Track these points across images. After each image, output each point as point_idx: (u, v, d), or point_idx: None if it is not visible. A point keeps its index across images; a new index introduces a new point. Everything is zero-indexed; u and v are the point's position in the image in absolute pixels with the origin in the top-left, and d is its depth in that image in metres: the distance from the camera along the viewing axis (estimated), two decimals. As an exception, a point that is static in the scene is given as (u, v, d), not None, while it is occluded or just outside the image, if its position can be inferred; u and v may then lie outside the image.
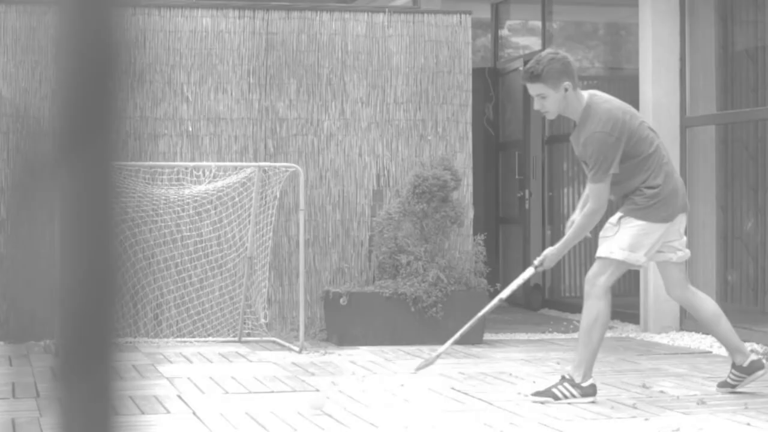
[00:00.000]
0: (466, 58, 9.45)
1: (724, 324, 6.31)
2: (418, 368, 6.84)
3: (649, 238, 6.11)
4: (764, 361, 6.38)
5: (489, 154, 12.48)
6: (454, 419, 5.59)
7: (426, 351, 8.19)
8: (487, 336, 8.86)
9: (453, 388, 6.51)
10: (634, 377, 6.86)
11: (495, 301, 6.74)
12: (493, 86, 12.42)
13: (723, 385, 6.41)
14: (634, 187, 6.12)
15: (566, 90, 6.05)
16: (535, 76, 6.06)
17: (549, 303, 11.39)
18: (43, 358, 7.62)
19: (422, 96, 9.35)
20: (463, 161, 9.37)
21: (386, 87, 9.32)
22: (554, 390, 6.06)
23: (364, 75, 9.29)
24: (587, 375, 6.10)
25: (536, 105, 6.19)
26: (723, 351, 8.19)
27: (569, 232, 6.31)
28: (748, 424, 5.46)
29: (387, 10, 9.48)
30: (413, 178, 8.80)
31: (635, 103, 8.34)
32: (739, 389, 6.31)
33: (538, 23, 11.73)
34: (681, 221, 6.26)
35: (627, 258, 6.10)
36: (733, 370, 6.34)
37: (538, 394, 6.10)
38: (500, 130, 12.46)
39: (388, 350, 8.21)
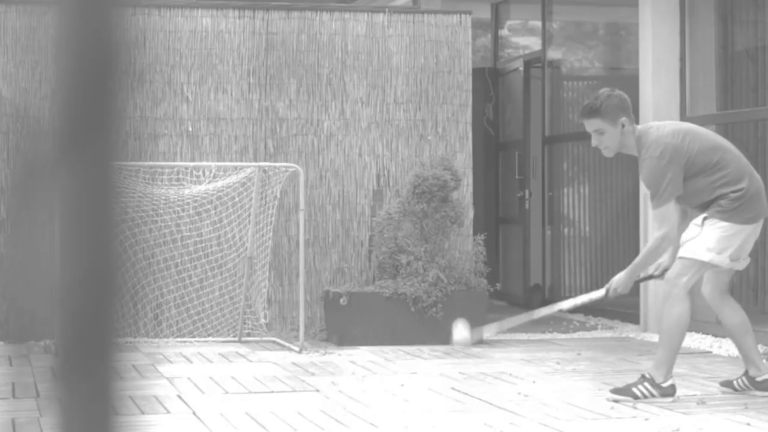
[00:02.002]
0: (466, 58, 9.45)
1: (750, 336, 6.31)
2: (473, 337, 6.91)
3: (735, 239, 6.07)
4: None
5: (489, 154, 12.48)
6: (454, 419, 5.59)
7: (426, 351, 8.19)
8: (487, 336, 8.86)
9: (453, 388, 6.51)
10: (634, 377, 6.85)
11: (554, 309, 6.72)
12: (493, 86, 12.42)
13: (727, 385, 6.41)
14: (714, 197, 6.09)
15: (623, 126, 6.09)
16: (593, 112, 6.11)
17: (549, 303, 11.37)
18: (43, 358, 7.62)
19: (422, 96, 9.35)
20: (463, 161, 9.37)
21: (386, 87, 9.32)
22: (634, 389, 6.04)
23: (364, 75, 9.29)
24: (668, 375, 6.08)
25: (594, 141, 6.20)
26: (723, 351, 8.19)
27: (639, 256, 6.29)
28: (748, 424, 5.47)
29: (387, 10, 9.48)
30: (413, 178, 8.80)
31: (635, 103, 8.34)
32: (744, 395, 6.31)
33: (538, 23, 11.73)
34: (760, 226, 6.25)
35: (712, 259, 6.06)
36: (744, 379, 6.34)
37: (617, 392, 6.08)
38: (500, 130, 12.46)
39: (388, 350, 8.21)
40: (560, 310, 6.76)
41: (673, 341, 6.08)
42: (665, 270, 6.33)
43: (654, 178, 6.03)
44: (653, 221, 6.19)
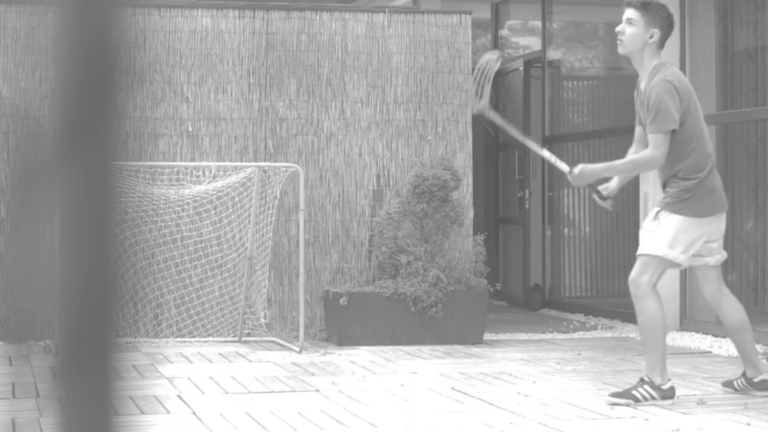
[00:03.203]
0: (466, 58, 9.45)
1: (748, 336, 6.31)
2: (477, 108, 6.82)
3: (689, 234, 6.06)
4: None
5: (489, 154, 12.48)
6: (454, 419, 5.59)
7: (426, 351, 8.19)
8: (487, 336, 8.86)
9: (453, 388, 6.51)
10: (634, 377, 6.85)
11: (541, 151, 6.68)
12: (493, 86, 12.40)
13: (728, 385, 6.41)
14: (674, 171, 6.07)
15: (651, 37, 6.06)
16: (641, 4, 6.10)
17: (549, 303, 11.39)
18: (43, 358, 7.62)
19: (422, 96, 9.35)
20: (463, 161, 9.37)
21: (386, 87, 9.32)
22: (634, 392, 6.01)
23: (364, 75, 9.29)
24: (664, 375, 6.07)
25: (619, 27, 6.17)
26: (723, 351, 8.19)
27: (621, 161, 6.22)
28: (748, 424, 5.47)
29: (387, 10, 9.48)
30: (413, 178, 8.80)
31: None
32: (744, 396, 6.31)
33: (538, 23, 11.73)
34: (722, 220, 6.23)
35: (666, 254, 6.05)
36: (743, 380, 6.34)
37: (617, 395, 6.05)
38: (500, 130, 12.45)
39: (388, 350, 8.21)
40: (541, 154, 6.72)
41: (655, 338, 6.07)
42: (609, 196, 6.28)
43: (663, 99, 6.00)
44: (650, 144, 6.11)
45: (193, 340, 8.70)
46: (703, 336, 8.87)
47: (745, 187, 9.31)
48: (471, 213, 9.34)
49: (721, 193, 6.20)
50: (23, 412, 5.69)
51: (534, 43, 12.26)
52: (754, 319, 8.93)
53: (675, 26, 9.38)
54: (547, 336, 9.29)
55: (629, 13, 6.15)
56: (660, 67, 6.13)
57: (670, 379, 6.13)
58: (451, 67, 9.41)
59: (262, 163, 8.68)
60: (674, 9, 9.37)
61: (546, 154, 6.66)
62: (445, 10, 9.58)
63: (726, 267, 9.45)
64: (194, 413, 5.71)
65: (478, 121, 11.98)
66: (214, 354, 7.97)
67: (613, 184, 6.42)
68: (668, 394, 6.05)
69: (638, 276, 6.09)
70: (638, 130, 6.34)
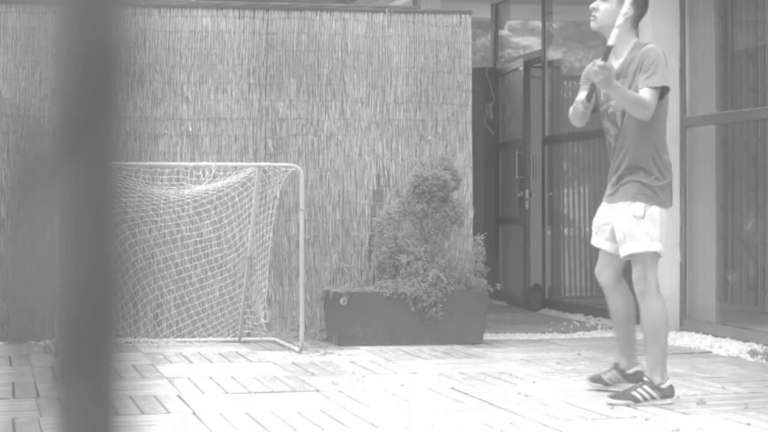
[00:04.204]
0: (466, 58, 9.45)
1: (632, 328, 6.37)
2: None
3: (662, 224, 6.13)
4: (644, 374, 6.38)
5: (489, 154, 12.48)
6: (454, 419, 5.59)
7: (426, 351, 8.19)
8: (487, 336, 8.86)
9: (453, 388, 6.51)
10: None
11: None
12: (493, 86, 12.42)
13: (597, 380, 6.41)
14: (639, 160, 6.07)
15: (625, 14, 6.06)
16: None
17: (549, 303, 11.39)
18: (43, 358, 7.62)
19: (422, 96, 9.35)
20: (463, 161, 9.37)
21: (386, 87, 9.32)
22: (634, 393, 6.01)
23: (364, 75, 9.29)
24: (665, 375, 6.07)
25: (593, 3, 6.23)
26: (722, 351, 8.19)
27: (630, 91, 6.04)
28: (748, 424, 5.46)
29: (387, 10, 9.48)
30: (413, 178, 8.80)
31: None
32: (613, 388, 6.32)
33: (538, 23, 11.73)
34: None
35: (659, 249, 6.08)
36: (615, 372, 6.38)
37: (617, 396, 6.05)
38: (500, 130, 12.46)
39: (388, 350, 8.21)
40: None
41: (659, 338, 6.07)
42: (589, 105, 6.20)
43: (661, 61, 6.03)
44: (647, 95, 6.03)
45: (193, 340, 8.70)
46: (703, 336, 8.87)
47: (745, 187, 9.31)
48: (471, 213, 9.34)
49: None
50: (23, 412, 5.69)
51: (534, 43, 12.26)
52: (755, 319, 8.94)
53: (675, 26, 9.39)
54: (547, 336, 9.29)
55: None
56: (644, 43, 6.20)
57: (669, 377, 6.13)
58: (451, 67, 9.40)
59: (262, 163, 8.68)
60: (674, 9, 9.38)
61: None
62: (445, 10, 9.58)
63: (726, 267, 9.47)
64: (194, 413, 5.71)
65: (478, 121, 11.98)
66: (214, 354, 7.97)
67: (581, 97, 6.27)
68: (668, 393, 6.04)
69: (642, 277, 6.07)
70: (582, 93, 6.30)
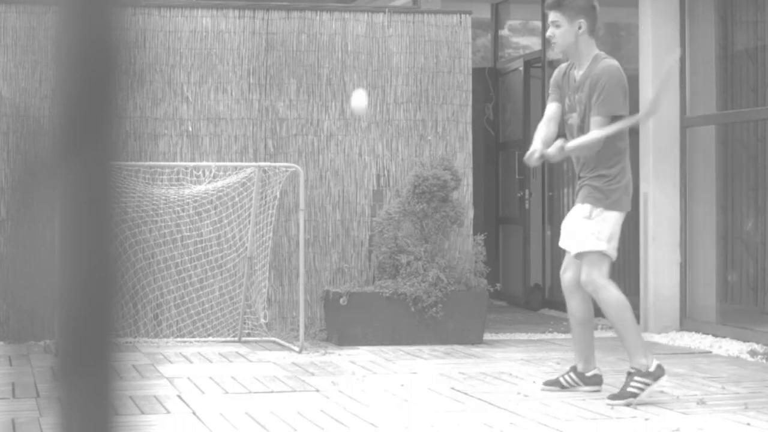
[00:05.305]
0: (466, 58, 9.45)
1: (591, 331, 6.43)
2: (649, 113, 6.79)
3: (617, 228, 6.19)
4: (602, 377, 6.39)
5: (489, 154, 12.48)
6: (454, 419, 5.59)
7: (426, 351, 8.19)
8: (487, 336, 8.86)
9: (453, 388, 6.51)
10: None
11: (634, 119, 6.54)
12: (493, 86, 12.41)
13: (553, 383, 6.42)
14: (594, 165, 6.15)
15: (580, 28, 6.13)
16: (556, 4, 6.22)
17: (549, 303, 11.38)
18: (43, 358, 7.62)
19: (422, 96, 9.35)
20: (463, 161, 9.37)
21: (386, 87, 9.31)
22: (629, 389, 6.00)
23: (364, 75, 9.29)
24: (648, 356, 6.06)
25: (548, 32, 6.31)
26: (722, 351, 8.19)
27: (578, 141, 6.15)
28: (748, 424, 5.46)
29: (387, 10, 9.48)
30: (413, 178, 8.80)
31: (635, 103, 8.33)
32: (570, 391, 6.34)
33: (538, 23, 11.73)
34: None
35: (606, 249, 6.14)
36: (573, 374, 6.40)
37: (615, 397, 6.04)
38: (500, 130, 12.46)
39: (388, 350, 8.21)
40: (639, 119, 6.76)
41: (627, 323, 6.09)
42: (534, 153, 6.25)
43: (614, 84, 6.10)
44: (594, 125, 6.13)
45: (193, 340, 8.70)
46: (703, 336, 8.87)
47: (745, 187, 9.31)
48: (471, 213, 9.34)
49: (630, 191, 6.26)
50: (23, 412, 5.69)
51: (534, 43, 12.25)
52: (755, 319, 8.94)
53: (675, 26, 9.40)
54: (547, 336, 9.29)
55: (551, 16, 6.29)
56: (602, 56, 6.22)
57: (653, 357, 6.13)
58: (451, 67, 9.40)
59: (262, 163, 8.68)
60: (674, 9, 9.37)
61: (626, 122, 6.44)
62: (445, 10, 9.58)
63: (726, 267, 9.47)
64: (194, 413, 5.71)
65: (478, 121, 11.98)
66: (214, 354, 7.97)
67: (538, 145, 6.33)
68: (658, 374, 6.02)
69: (589, 275, 6.14)
70: (553, 107, 6.36)
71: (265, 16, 9.18)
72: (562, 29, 6.21)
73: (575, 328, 6.43)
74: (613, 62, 6.20)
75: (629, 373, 6.07)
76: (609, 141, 6.13)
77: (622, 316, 6.07)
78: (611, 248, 6.15)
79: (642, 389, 5.98)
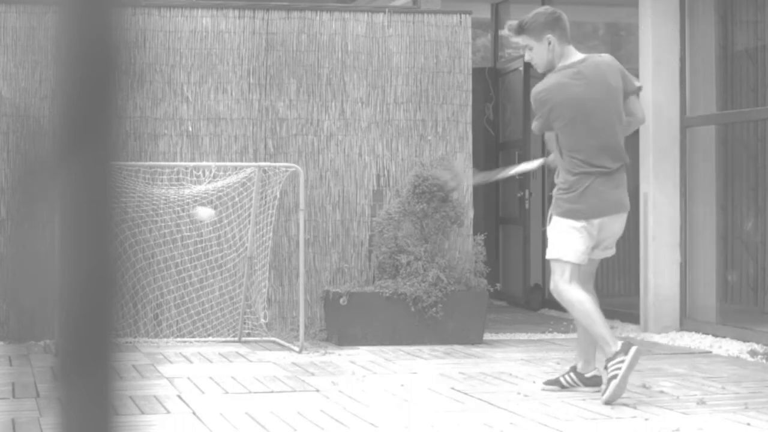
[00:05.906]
0: (466, 58, 9.45)
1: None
2: (476, 182, 7.24)
3: (566, 236, 6.18)
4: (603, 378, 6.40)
5: (489, 154, 12.48)
6: (454, 419, 5.59)
7: (426, 351, 8.19)
8: (487, 336, 8.86)
9: (453, 388, 6.51)
10: (634, 377, 6.84)
11: (509, 171, 7.06)
12: (493, 86, 12.42)
13: (553, 383, 6.43)
14: (559, 173, 6.34)
15: (549, 43, 6.24)
16: (520, 29, 6.43)
17: (549, 303, 11.38)
18: (43, 358, 7.62)
19: (422, 96, 9.35)
20: (463, 161, 9.37)
21: (386, 87, 9.31)
22: (609, 375, 5.95)
23: (364, 75, 9.29)
24: (613, 340, 6.05)
25: (526, 56, 6.51)
26: (722, 351, 8.19)
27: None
28: (748, 424, 5.47)
29: (387, 10, 9.48)
30: (413, 178, 8.80)
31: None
32: (570, 390, 6.35)
33: (538, 23, 11.71)
34: (615, 221, 6.30)
35: (559, 256, 6.20)
36: (573, 375, 6.42)
37: (604, 391, 6.01)
38: (500, 130, 12.46)
39: (388, 350, 8.21)
40: (515, 173, 7.23)
41: (594, 319, 6.09)
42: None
43: (535, 105, 6.39)
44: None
45: (193, 340, 8.70)
46: (703, 336, 8.87)
47: (745, 187, 9.32)
48: (471, 213, 9.34)
49: (606, 199, 6.21)
50: (23, 412, 5.69)
51: (534, 43, 12.24)
52: (755, 319, 8.94)
53: (675, 26, 9.40)
54: (547, 336, 9.29)
55: (519, 41, 6.49)
56: (584, 60, 6.32)
57: (615, 338, 6.15)
58: (451, 67, 9.40)
59: (262, 163, 8.68)
60: (674, 9, 9.37)
61: (518, 168, 7.06)
62: (445, 10, 9.58)
63: (726, 267, 9.47)
64: (194, 413, 5.71)
65: (478, 121, 11.98)
66: (214, 354, 7.97)
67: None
68: (625, 348, 5.97)
69: (552, 282, 6.29)
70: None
71: (265, 16, 9.18)
72: (534, 50, 6.36)
73: (580, 328, 6.43)
74: (548, 78, 6.31)
75: (605, 366, 6.08)
76: (566, 153, 6.21)
77: (589, 314, 6.10)
78: (570, 255, 6.15)
79: (619, 368, 5.95)
